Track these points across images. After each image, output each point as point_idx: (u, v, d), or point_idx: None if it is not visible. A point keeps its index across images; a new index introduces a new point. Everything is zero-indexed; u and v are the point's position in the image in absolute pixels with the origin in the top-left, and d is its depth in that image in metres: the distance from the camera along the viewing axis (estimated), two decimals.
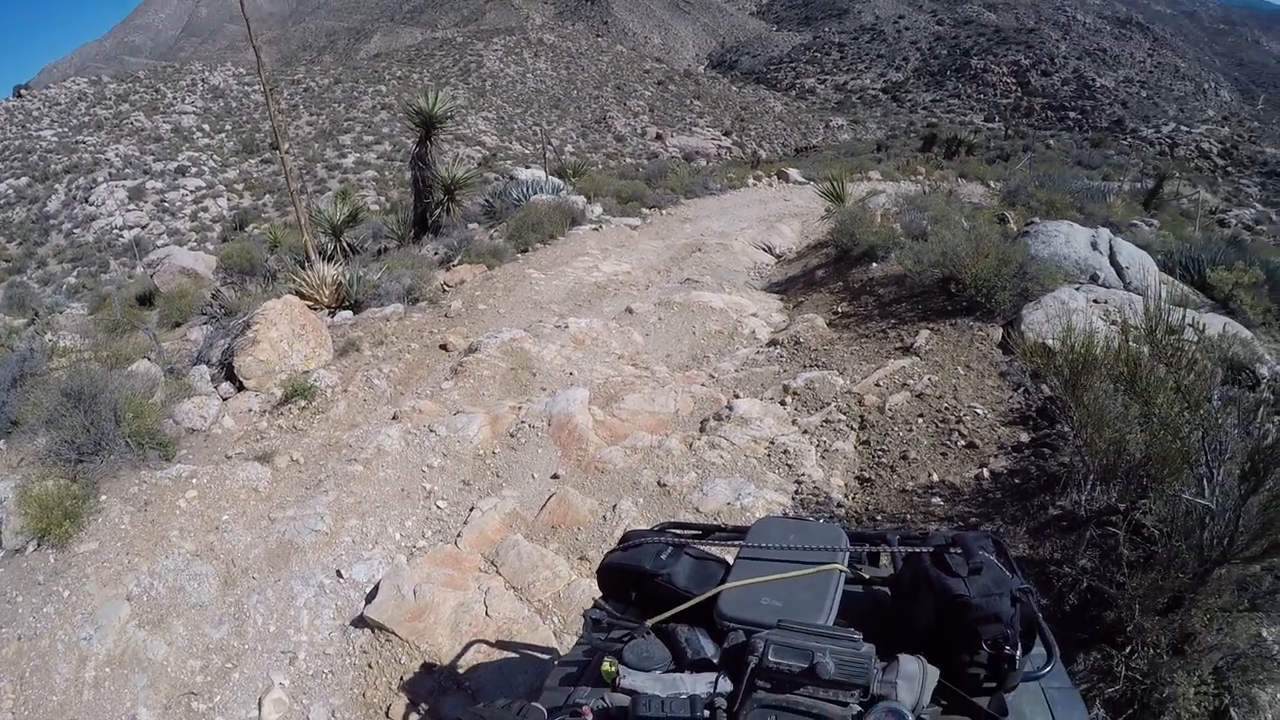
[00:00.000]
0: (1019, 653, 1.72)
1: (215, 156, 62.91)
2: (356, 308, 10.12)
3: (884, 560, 2.36)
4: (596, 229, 14.45)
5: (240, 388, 7.58)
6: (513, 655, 4.28)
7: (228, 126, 69.89)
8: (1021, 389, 6.22)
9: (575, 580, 4.93)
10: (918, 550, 1.98)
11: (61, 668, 4.29)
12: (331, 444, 6.57)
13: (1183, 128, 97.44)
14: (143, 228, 50.76)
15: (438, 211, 15.73)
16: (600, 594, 2.31)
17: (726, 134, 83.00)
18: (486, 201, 16.82)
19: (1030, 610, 1.83)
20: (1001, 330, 7.26)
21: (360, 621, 4.71)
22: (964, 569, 1.81)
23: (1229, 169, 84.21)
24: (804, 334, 8.22)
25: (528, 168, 24.63)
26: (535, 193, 16.12)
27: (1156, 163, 55.24)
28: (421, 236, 15.62)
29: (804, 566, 1.98)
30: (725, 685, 1.61)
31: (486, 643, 4.36)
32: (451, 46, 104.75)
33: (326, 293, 10.17)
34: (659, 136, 76.64)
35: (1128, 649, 3.69)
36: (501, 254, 12.24)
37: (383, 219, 18.87)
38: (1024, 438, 5.62)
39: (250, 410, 7.24)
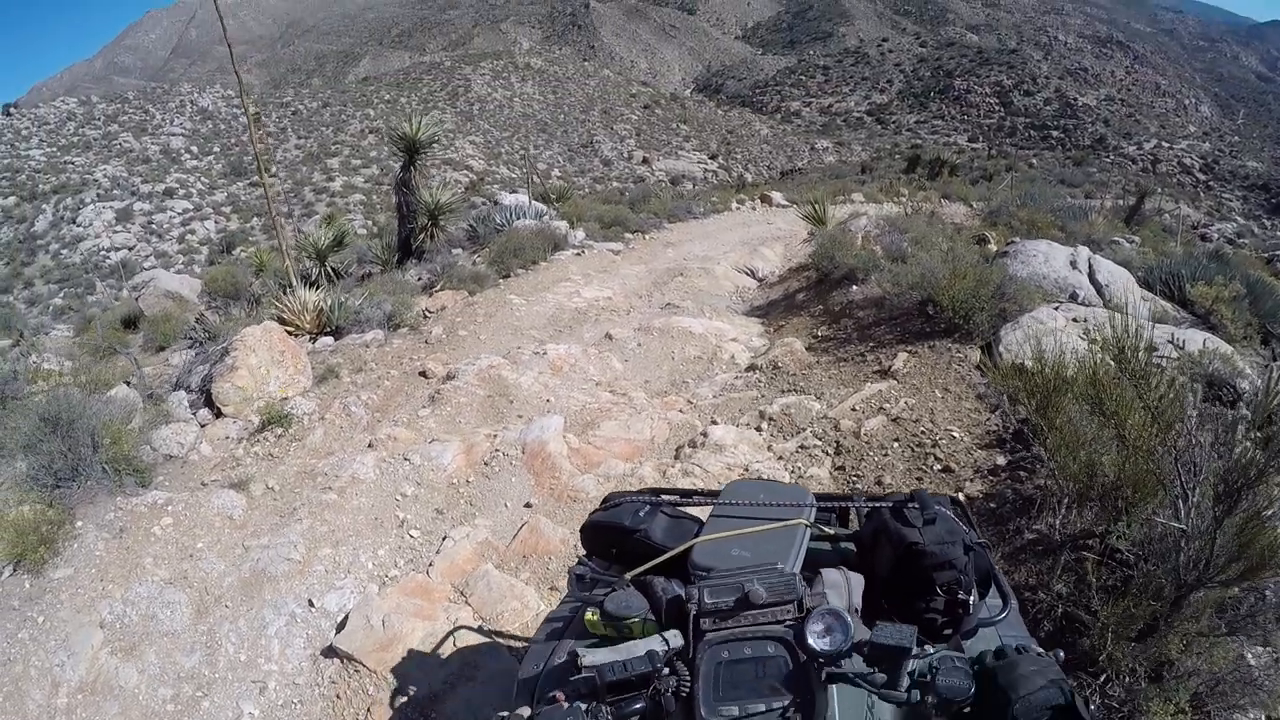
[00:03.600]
0: (973, 598, 1.85)
1: (203, 179, 62.53)
2: (337, 334, 10.06)
3: (852, 524, 2.49)
4: (579, 254, 14.44)
5: (218, 414, 7.51)
6: (479, 688, 4.26)
7: (216, 148, 69.39)
8: (999, 411, 6.19)
9: (543, 610, 4.86)
10: (878, 506, 2.10)
11: (35, 694, 4.21)
12: (307, 472, 6.50)
13: (1164, 144, 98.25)
14: (130, 249, 50.46)
15: (421, 237, 15.68)
16: (584, 552, 2.40)
17: (713, 157, 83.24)
18: (470, 226, 16.78)
19: (985, 560, 1.96)
20: (980, 351, 7.26)
21: (330, 651, 4.64)
22: (919, 520, 1.92)
23: (1210, 183, 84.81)
24: (782, 358, 8.20)
25: (514, 193, 24.60)
26: (519, 218, 16.14)
27: (1139, 179, 55.51)
28: (405, 261, 15.58)
29: (772, 521, 2.06)
30: (677, 639, 1.68)
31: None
32: (440, 70, 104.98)
33: (308, 318, 10.10)
34: (645, 160, 76.75)
35: (1103, 677, 3.63)
36: (483, 280, 12.20)
37: (368, 244, 18.84)
38: (1000, 461, 5.60)
39: (227, 437, 7.16)
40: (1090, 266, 9.55)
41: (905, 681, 1.51)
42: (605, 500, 2.43)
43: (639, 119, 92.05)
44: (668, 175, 70.53)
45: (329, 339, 9.90)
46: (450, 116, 78.79)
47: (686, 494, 2.56)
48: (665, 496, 2.48)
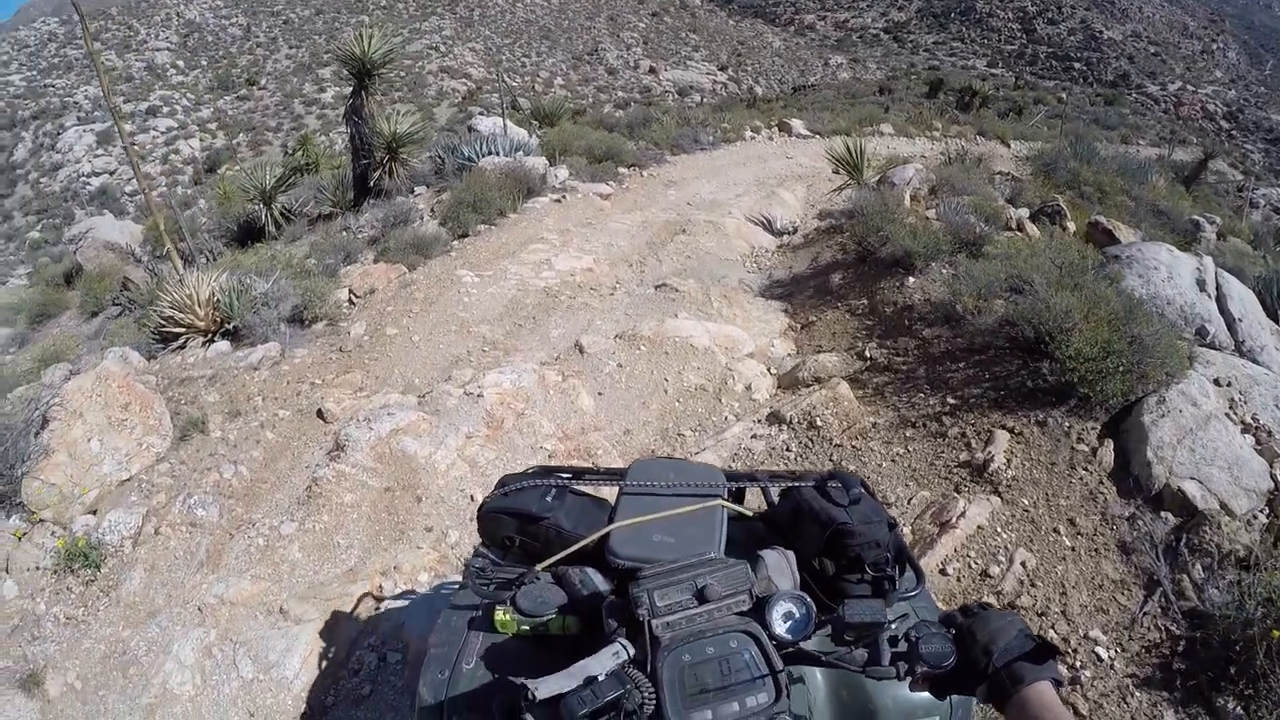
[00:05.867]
0: (898, 574, 1.82)
1: (189, 95, 59.96)
2: (236, 336, 7.60)
3: (748, 500, 2.33)
4: (559, 200, 11.86)
5: (39, 519, 5.02)
6: None
7: (203, 62, 66.75)
8: (1159, 593, 3.91)
9: None
10: (798, 485, 2.03)
11: None
12: (115, 655, 4.14)
13: (1189, 87, 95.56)
14: (111, 174, 48.43)
15: (378, 173, 13.06)
16: (480, 541, 2.15)
17: (722, 68, 79.70)
18: (439, 157, 14.22)
19: (900, 540, 1.88)
20: (1110, 442, 4.91)
21: None
22: (845, 499, 1.88)
23: (1234, 132, 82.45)
24: (821, 410, 5.74)
25: (512, 109, 21.50)
26: (489, 151, 13.41)
27: (1174, 125, 52.95)
28: (363, 202, 13.07)
29: (689, 502, 1.96)
30: (629, 648, 1.48)
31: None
32: None
33: (201, 314, 7.62)
34: (652, 70, 73.18)
35: None
36: (430, 245, 9.62)
37: (323, 178, 16.33)
38: None
39: (38, 568, 4.68)
40: (1219, 288, 7.21)
41: (888, 655, 1.46)
42: (500, 483, 2.18)
43: (647, 27, 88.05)
44: (675, 86, 67.70)
45: (225, 344, 7.46)
46: (450, 22, 75.70)
47: (583, 472, 2.28)
48: (563, 476, 2.23)
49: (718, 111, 29.15)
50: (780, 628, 1.46)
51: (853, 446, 5.46)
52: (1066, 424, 5.06)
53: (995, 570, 4.22)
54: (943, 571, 4.25)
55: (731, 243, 10.81)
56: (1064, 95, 58.12)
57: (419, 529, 4.89)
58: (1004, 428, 5.17)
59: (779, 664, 1.39)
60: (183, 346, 7.57)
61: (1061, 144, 19.14)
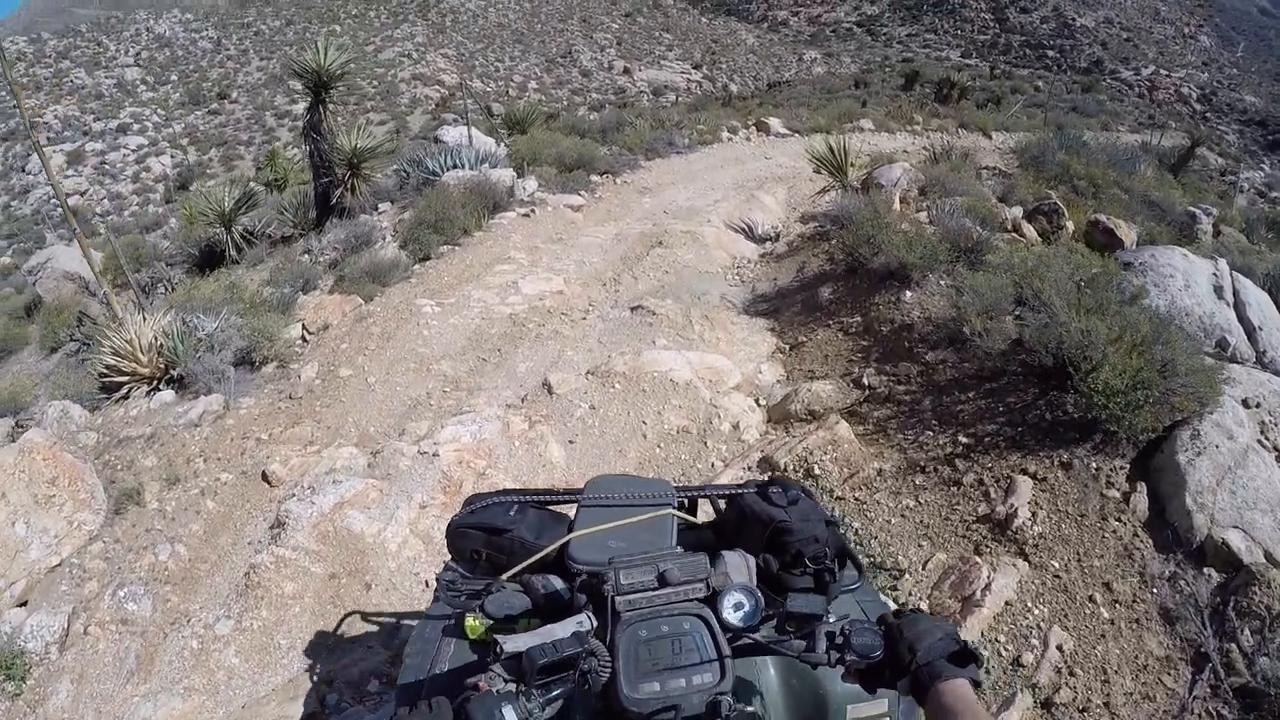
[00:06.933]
0: (837, 568, 1.91)
1: (159, 110, 58.60)
2: (182, 384, 6.97)
3: (700, 514, 2.43)
4: (527, 214, 11.18)
5: None
6: None
7: (173, 77, 65.58)
8: (1208, 668, 3.39)
9: None
10: (740, 492, 2.15)
11: None
12: None
13: (1162, 71, 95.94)
14: (81, 194, 46.77)
15: (339, 191, 12.38)
16: (449, 557, 2.23)
17: (697, 67, 79.26)
18: (404, 171, 13.54)
19: (840, 537, 1.99)
20: (1143, 485, 4.34)
21: None
22: (784, 500, 2.00)
23: (1207, 115, 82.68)
24: (819, 455, 5.13)
25: (486, 114, 20.58)
26: (454, 164, 12.67)
27: (1150, 110, 52.78)
28: (325, 221, 12.33)
29: (642, 512, 2.07)
30: (593, 619, 1.61)
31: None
32: None
33: (144, 360, 6.97)
34: (626, 70, 72.66)
35: None
36: (389, 272, 8.94)
37: (289, 195, 15.60)
38: None
39: None
40: (1236, 294, 6.70)
41: (823, 644, 1.53)
42: (468, 502, 2.27)
43: (620, 28, 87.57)
44: (649, 86, 67.28)
45: (169, 393, 6.81)
46: (421, 29, 75.04)
47: (543, 493, 2.34)
48: (527, 496, 2.32)
49: (693, 111, 28.52)
50: (731, 616, 1.56)
51: (856, 499, 4.87)
52: (1093, 464, 4.50)
53: (1029, 658, 3.64)
54: None
55: (711, 254, 10.21)
56: (1041, 84, 57.61)
57: (368, 623, 4.25)
58: (1025, 472, 4.59)
59: (726, 649, 1.50)
60: (126, 396, 6.95)
61: (1046, 134, 18.64)
